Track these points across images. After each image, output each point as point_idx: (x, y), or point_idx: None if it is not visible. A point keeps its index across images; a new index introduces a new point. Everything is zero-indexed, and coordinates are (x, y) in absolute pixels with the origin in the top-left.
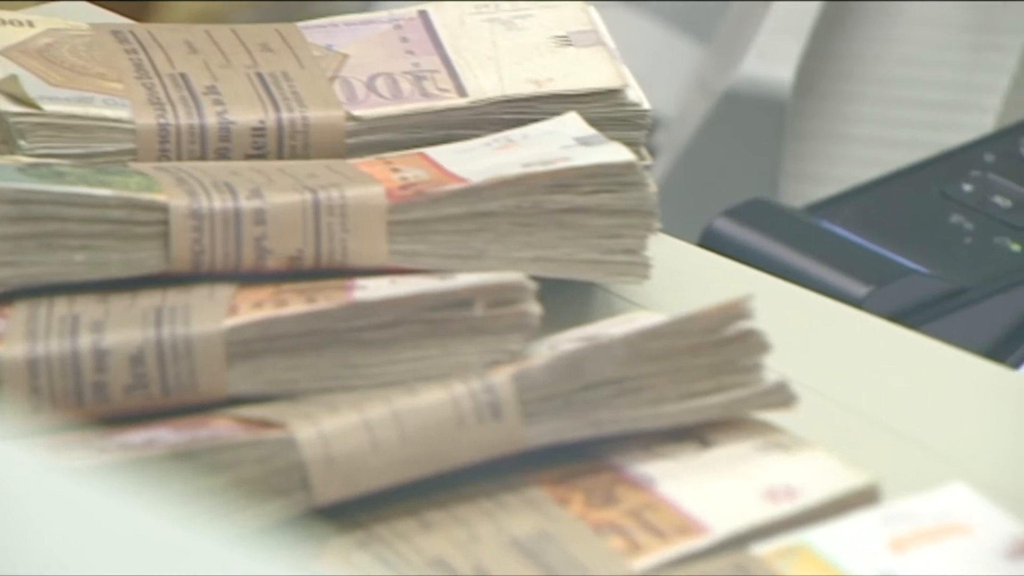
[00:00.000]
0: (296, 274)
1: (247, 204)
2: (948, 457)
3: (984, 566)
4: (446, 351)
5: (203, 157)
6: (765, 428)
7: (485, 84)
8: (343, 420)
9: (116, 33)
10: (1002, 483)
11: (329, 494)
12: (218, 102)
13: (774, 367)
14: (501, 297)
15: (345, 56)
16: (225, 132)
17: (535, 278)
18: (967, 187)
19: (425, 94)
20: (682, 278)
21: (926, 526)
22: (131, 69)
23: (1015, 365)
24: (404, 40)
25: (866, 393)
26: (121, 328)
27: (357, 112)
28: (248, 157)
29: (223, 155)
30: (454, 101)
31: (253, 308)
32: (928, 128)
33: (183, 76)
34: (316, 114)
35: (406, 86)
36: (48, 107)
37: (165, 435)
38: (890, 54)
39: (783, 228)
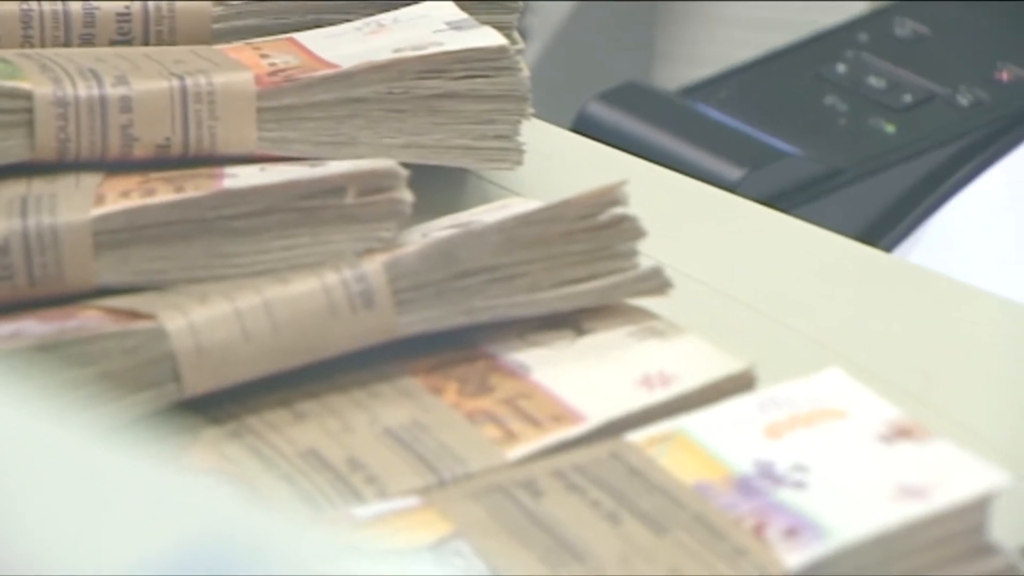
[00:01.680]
0: (164, 162)
1: (113, 91)
2: (823, 342)
3: (859, 450)
4: (317, 239)
5: (67, 43)
6: (640, 314)
7: None
8: (213, 310)
9: None
10: (876, 367)
11: (199, 385)
12: None
13: (648, 253)
14: (373, 184)
15: None
16: (89, 18)
17: (407, 165)
18: (841, 68)
19: None
20: (555, 163)
21: (801, 411)
22: None
23: (889, 248)
24: None
25: (741, 278)
26: None
27: None
28: (113, 43)
29: (88, 41)
30: None
31: (120, 197)
32: (801, 8)
33: None
34: None
35: None
36: None
37: (32, 326)
38: None
39: (657, 111)
